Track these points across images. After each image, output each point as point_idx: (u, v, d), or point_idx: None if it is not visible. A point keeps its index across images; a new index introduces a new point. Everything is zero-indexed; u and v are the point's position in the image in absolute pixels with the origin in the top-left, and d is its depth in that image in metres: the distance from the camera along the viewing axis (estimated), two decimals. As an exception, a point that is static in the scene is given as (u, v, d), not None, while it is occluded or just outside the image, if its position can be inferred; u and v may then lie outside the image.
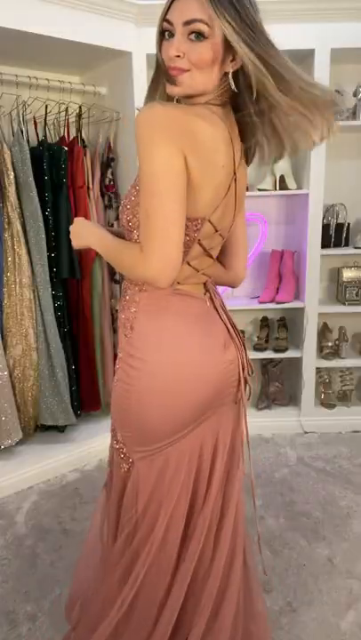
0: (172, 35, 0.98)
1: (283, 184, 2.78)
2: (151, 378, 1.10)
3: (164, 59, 1.00)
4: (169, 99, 1.07)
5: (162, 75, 1.04)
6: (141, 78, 2.42)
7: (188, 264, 1.14)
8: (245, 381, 1.23)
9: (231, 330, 1.22)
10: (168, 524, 1.17)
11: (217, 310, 1.22)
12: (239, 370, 1.20)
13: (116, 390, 1.17)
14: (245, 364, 1.22)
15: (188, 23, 0.94)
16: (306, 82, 1.07)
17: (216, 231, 1.14)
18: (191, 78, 0.98)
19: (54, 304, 2.54)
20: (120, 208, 1.12)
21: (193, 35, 0.94)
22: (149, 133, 0.92)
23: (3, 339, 2.43)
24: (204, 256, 1.18)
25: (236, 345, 1.20)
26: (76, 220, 1.20)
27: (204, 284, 1.23)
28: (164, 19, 0.98)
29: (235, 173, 1.10)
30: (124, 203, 1.10)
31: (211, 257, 1.20)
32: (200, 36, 0.94)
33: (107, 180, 2.73)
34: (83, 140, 2.68)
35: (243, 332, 3.05)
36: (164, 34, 1.00)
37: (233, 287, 1.36)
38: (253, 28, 0.96)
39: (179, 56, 0.97)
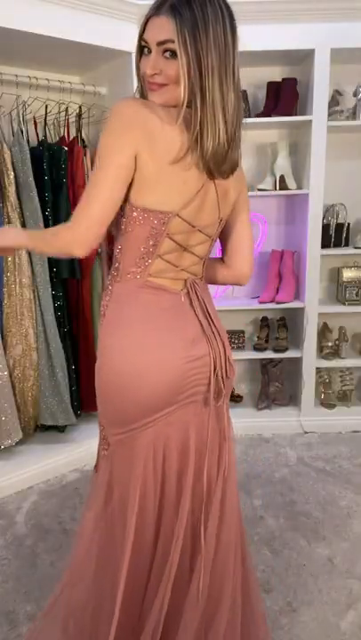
0: (149, 52, 1.07)
1: (283, 184, 2.78)
2: (109, 362, 1.18)
3: (143, 71, 1.09)
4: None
5: (144, 90, 1.14)
6: (141, 78, 2.42)
7: (161, 257, 1.17)
8: (217, 381, 1.23)
9: (208, 328, 1.22)
10: (138, 515, 1.20)
11: (193, 307, 1.22)
12: (210, 369, 1.21)
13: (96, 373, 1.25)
14: (222, 365, 1.23)
15: (161, 43, 1.04)
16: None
17: (193, 227, 1.17)
18: (169, 92, 1.07)
19: (54, 304, 2.54)
20: None
21: (167, 53, 1.04)
22: (113, 123, 1.05)
23: (3, 339, 2.43)
24: (183, 252, 1.20)
25: (211, 344, 1.21)
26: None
27: (185, 280, 1.24)
28: (142, 38, 1.07)
29: (213, 177, 1.14)
30: None
31: (195, 255, 1.22)
32: (173, 54, 1.03)
33: (107, 180, 2.73)
34: (83, 140, 2.68)
35: (243, 332, 3.05)
36: (143, 50, 1.09)
37: (240, 285, 1.40)
38: (204, 58, 1.01)
39: (156, 73, 1.06)
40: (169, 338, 1.17)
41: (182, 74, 1.02)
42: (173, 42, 1.01)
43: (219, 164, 1.10)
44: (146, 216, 1.12)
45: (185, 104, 1.04)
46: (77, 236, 1.07)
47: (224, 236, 1.34)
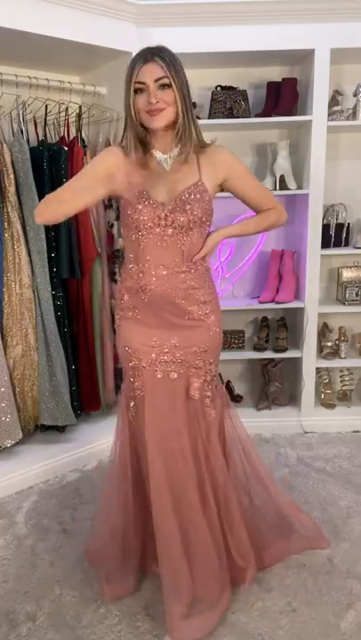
0: (142, 91, 1.45)
1: (283, 184, 2.78)
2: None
3: (140, 108, 1.47)
4: (138, 137, 1.53)
5: (133, 122, 1.50)
6: (141, 78, 2.42)
7: None
8: None
9: None
10: None
11: None
12: None
13: (220, 334, 1.71)
14: None
15: (157, 80, 1.44)
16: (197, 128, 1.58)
17: None
18: (166, 114, 1.48)
19: (54, 304, 2.54)
20: (201, 213, 1.55)
21: (163, 86, 1.45)
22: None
23: (3, 339, 2.43)
24: None
25: None
26: (212, 243, 1.66)
27: None
28: (136, 81, 1.44)
29: None
30: (202, 206, 1.55)
31: None
32: (167, 86, 1.45)
33: (107, 180, 2.73)
34: (83, 140, 2.68)
35: (243, 332, 3.05)
36: (137, 91, 1.46)
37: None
38: (185, 88, 1.50)
39: (158, 102, 1.45)
40: None
41: (178, 96, 1.46)
42: (166, 77, 1.44)
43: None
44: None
45: (181, 119, 1.49)
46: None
47: None
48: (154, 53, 1.44)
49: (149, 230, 1.54)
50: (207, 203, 1.55)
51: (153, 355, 1.61)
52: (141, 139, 1.53)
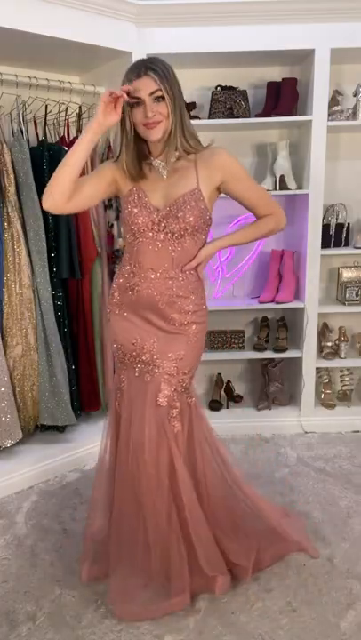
0: (138, 104, 1.49)
1: (283, 184, 2.78)
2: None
3: (137, 121, 1.52)
4: (137, 149, 1.60)
5: (128, 135, 1.55)
6: (141, 78, 2.42)
7: None
8: None
9: None
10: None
11: None
12: None
13: (201, 337, 1.73)
14: None
15: (152, 93, 1.48)
16: (191, 132, 1.61)
17: None
18: (163, 126, 1.52)
19: (54, 304, 2.54)
20: (193, 219, 1.57)
21: (157, 99, 1.49)
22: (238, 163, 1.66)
23: (3, 339, 2.43)
24: None
25: None
26: (204, 256, 1.70)
27: None
28: (133, 96, 1.48)
29: None
30: (196, 213, 1.58)
31: None
32: (162, 98, 1.49)
33: (107, 180, 2.73)
34: (83, 140, 2.68)
35: (243, 332, 3.05)
36: (132, 105, 1.50)
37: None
38: (178, 98, 1.53)
39: (154, 115, 1.49)
40: None
41: (171, 109, 1.50)
42: (160, 89, 1.47)
43: None
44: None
45: (175, 128, 1.53)
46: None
47: None
48: (147, 67, 1.48)
49: (143, 234, 1.59)
50: (202, 211, 1.57)
51: (134, 352, 1.67)
52: (140, 150, 1.59)
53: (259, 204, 1.68)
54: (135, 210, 1.58)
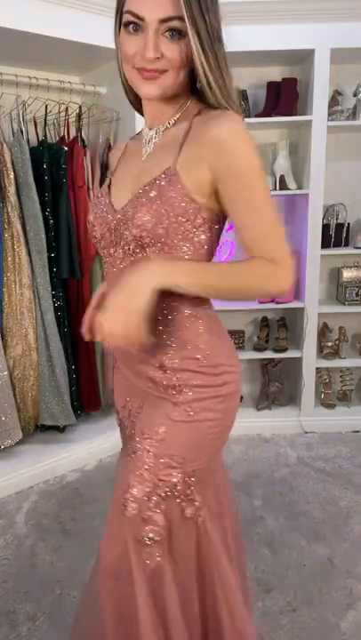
0: (137, 29, 0.88)
1: (283, 184, 2.78)
2: (236, 393, 1.07)
3: (128, 55, 0.91)
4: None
5: (123, 81, 1.01)
6: (141, 78, 2.42)
7: None
8: None
9: None
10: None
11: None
12: None
13: (200, 425, 1.02)
14: None
15: (165, 21, 0.85)
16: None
17: None
18: (168, 80, 0.92)
19: (54, 304, 2.54)
20: (137, 221, 0.94)
21: (169, 32, 0.87)
22: (251, 143, 1.01)
23: (3, 339, 2.43)
24: None
25: None
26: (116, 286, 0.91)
27: None
28: (129, 11, 0.87)
29: None
30: (141, 216, 0.94)
31: None
32: (178, 34, 0.87)
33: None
34: (83, 140, 2.68)
35: (243, 332, 3.04)
36: (129, 27, 0.89)
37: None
38: (213, 34, 0.91)
39: (158, 58, 0.88)
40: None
41: (198, 55, 0.87)
42: (180, 18, 0.84)
43: None
44: (221, 227, 0.99)
45: (206, 86, 0.90)
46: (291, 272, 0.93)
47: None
48: None
49: (103, 251, 1.06)
50: (173, 206, 0.92)
51: (125, 419, 1.18)
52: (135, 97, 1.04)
53: (256, 235, 0.92)
54: (90, 217, 1.06)
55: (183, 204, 0.92)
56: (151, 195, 0.93)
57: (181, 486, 1.01)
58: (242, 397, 3.16)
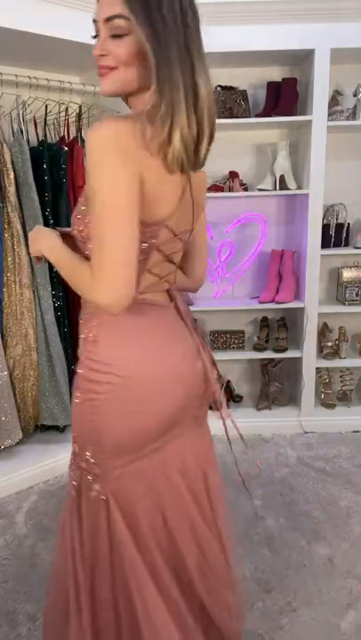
0: (98, 33, 0.97)
1: (283, 184, 2.78)
2: (121, 391, 1.07)
3: (95, 58, 0.99)
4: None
5: None
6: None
7: (150, 272, 1.09)
8: (214, 393, 1.20)
9: (198, 339, 1.18)
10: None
11: (183, 319, 1.18)
12: (203, 383, 1.17)
13: (81, 406, 1.12)
14: (210, 376, 1.17)
15: (108, 20, 0.93)
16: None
17: (175, 236, 1.11)
18: (119, 77, 0.96)
19: (54, 304, 2.54)
20: (72, 219, 1.08)
21: (111, 30, 0.93)
22: (101, 156, 0.89)
23: (3, 339, 2.43)
24: (166, 262, 1.13)
25: (202, 355, 1.16)
26: (37, 226, 1.21)
27: (168, 291, 1.19)
28: (93, 19, 0.97)
29: (189, 178, 1.06)
30: (74, 214, 1.06)
31: (173, 263, 1.16)
32: (119, 32, 0.93)
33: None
34: (83, 140, 2.68)
35: (243, 332, 3.04)
36: (95, 33, 0.99)
37: (193, 292, 1.33)
38: (165, 30, 0.90)
39: (103, 54, 0.95)
40: (178, 357, 1.12)
41: (147, 52, 0.90)
42: (120, 16, 0.91)
43: (191, 158, 0.98)
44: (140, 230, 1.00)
45: (153, 86, 0.91)
46: (117, 298, 0.94)
47: (187, 243, 1.22)
48: None
49: None
50: (79, 202, 1.07)
51: None
52: None
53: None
54: None
55: (82, 207, 1.04)
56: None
57: (86, 464, 1.11)
58: (242, 397, 3.17)
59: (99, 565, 1.12)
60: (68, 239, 1.11)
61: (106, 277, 0.91)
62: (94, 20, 0.97)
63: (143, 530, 1.10)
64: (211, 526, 1.24)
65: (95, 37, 0.98)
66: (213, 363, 1.22)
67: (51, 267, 2.50)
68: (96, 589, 1.13)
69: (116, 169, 0.88)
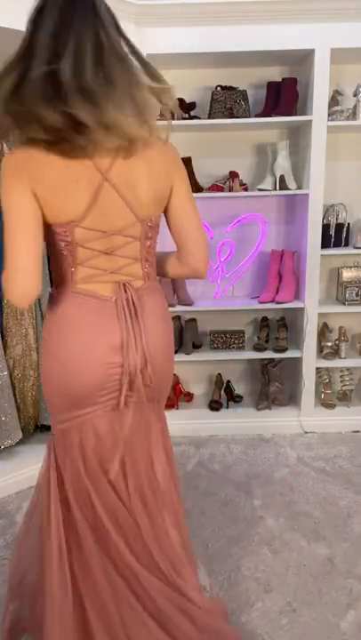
0: None
1: (283, 184, 2.78)
2: (44, 360, 1.28)
3: None
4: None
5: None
6: (141, 78, 2.42)
7: (83, 265, 1.18)
8: (136, 389, 1.26)
9: (129, 336, 1.21)
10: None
11: (124, 313, 1.20)
12: (123, 377, 1.22)
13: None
14: (141, 373, 1.24)
15: None
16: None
17: (104, 232, 1.15)
18: None
19: (54, 304, 2.54)
20: None
21: None
22: (4, 179, 1.08)
23: (3, 339, 2.43)
24: (109, 256, 1.19)
25: (125, 353, 1.20)
26: None
27: (118, 283, 1.21)
28: None
29: (105, 178, 1.11)
30: None
31: (123, 257, 1.20)
32: None
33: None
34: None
35: (243, 332, 3.04)
36: None
37: (199, 278, 1.36)
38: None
39: None
40: (92, 343, 1.19)
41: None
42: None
43: (77, 141, 1.05)
44: (50, 229, 1.14)
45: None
46: (19, 297, 1.13)
47: (172, 232, 1.29)
48: None
49: None
50: None
51: None
52: None
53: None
54: None
55: None
56: None
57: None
58: (242, 397, 3.17)
59: (42, 497, 1.34)
60: None
61: (10, 279, 1.10)
62: None
63: (66, 485, 1.29)
64: (148, 504, 1.33)
65: None
66: (152, 365, 1.26)
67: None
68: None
69: (9, 189, 1.08)
